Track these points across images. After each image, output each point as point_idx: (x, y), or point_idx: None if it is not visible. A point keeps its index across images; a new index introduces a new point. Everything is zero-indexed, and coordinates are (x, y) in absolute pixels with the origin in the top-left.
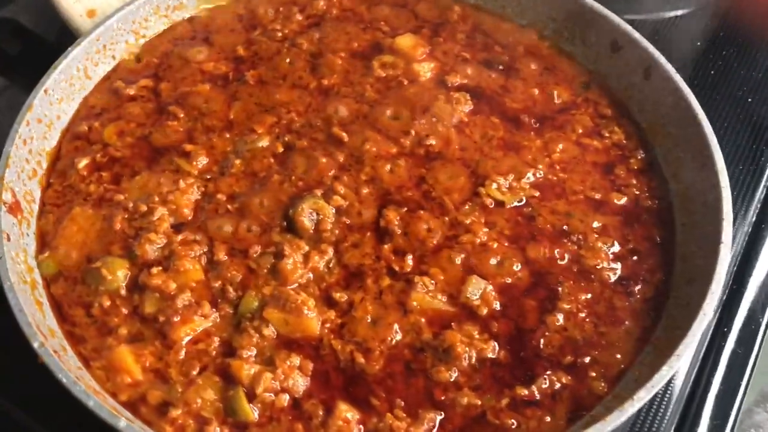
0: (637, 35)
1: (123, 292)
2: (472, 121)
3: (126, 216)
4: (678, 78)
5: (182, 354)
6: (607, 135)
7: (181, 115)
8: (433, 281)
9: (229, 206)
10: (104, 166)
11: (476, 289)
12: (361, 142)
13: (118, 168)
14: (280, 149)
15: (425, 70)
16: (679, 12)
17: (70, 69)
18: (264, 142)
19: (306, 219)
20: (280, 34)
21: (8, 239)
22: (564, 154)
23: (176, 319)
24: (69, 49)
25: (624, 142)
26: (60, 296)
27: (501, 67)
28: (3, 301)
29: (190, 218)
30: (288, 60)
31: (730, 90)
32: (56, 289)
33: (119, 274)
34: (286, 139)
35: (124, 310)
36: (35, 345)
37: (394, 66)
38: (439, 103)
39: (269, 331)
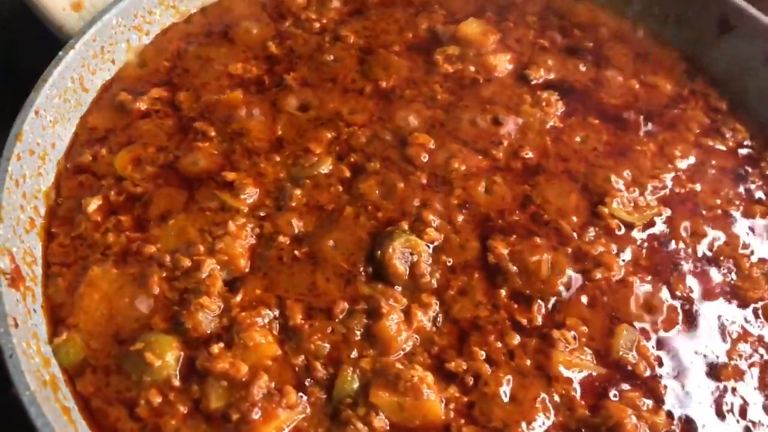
0: (754, 11)
1: (176, 381)
2: (567, 126)
3: (164, 274)
4: None
5: None
6: (728, 134)
7: (213, 134)
8: (574, 334)
9: (296, 251)
10: (122, 207)
11: (629, 341)
12: (445, 158)
13: (140, 209)
14: (348, 173)
15: (502, 63)
16: None
17: (64, 81)
18: (326, 167)
19: (399, 262)
20: (317, 25)
21: (15, 325)
22: (686, 160)
23: (256, 415)
24: (60, 53)
25: (750, 141)
26: (90, 394)
27: (587, 56)
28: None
29: (247, 271)
30: (333, 57)
31: None
32: (84, 386)
33: (169, 357)
34: (352, 159)
35: (182, 408)
36: None
37: (462, 59)
38: (526, 107)
39: (379, 421)
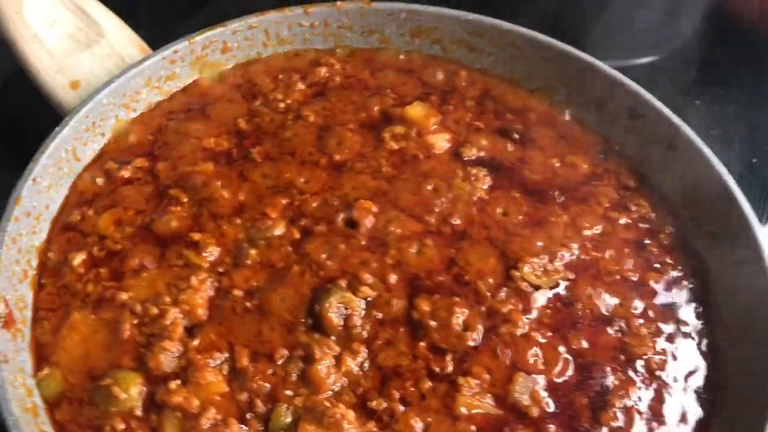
0: (658, 104)
1: (138, 412)
2: (493, 198)
3: (135, 321)
4: (707, 152)
5: None
6: (633, 208)
7: (185, 200)
8: (477, 381)
9: (247, 303)
10: (102, 261)
11: (524, 388)
12: (385, 223)
13: (117, 263)
14: (297, 235)
15: (440, 142)
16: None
17: (59, 152)
18: (279, 230)
19: (334, 315)
20: (282, 105)
21: (6, 361)
22: (593, 231)
23: None
24: (56, 129)
25: (651, 215)
26: (65, 421)
27: (516, 137)
28: None
29: (205, 319)
30: (294, 133)
31: None
32: (61, 415)
33: (133, 391)
34: (302, 223)
35: None
36: None
37: (406, 137)
38: (458, 181)
39: None
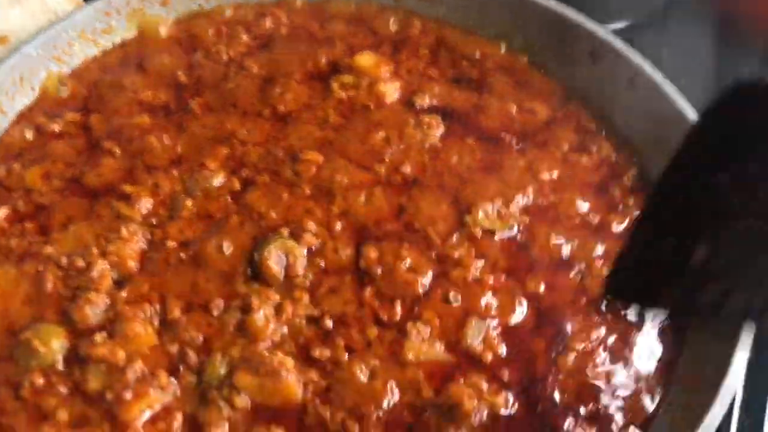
0: (618, 44)
1: (60, 366)
2: (446, 145)
3: (60, 274)
4: (668, 87)
5: None
6: (594, 150)
7: (118, 152)
8: (428, 327)
9: (182, 254)
10: (28, 215)
11: (477, 333)
12: (331, 173)
13: (45, 218)
14: (238, 186)
15: (391, 91)
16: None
17: None
18: (219, 180)
19: (274, 264)
20: (225, 57)
21: None
22: (552, 174)
23: (128, 395)
24: None
25: (613, 158)
26: None
27: (472, 85)
28: None
29: (135, 271)
30: (237, 85)
31: None
32: None
33: (55, 344)
34: (244, 174)
35: (63, 389)
36: None
37: (356, 87)
38: (409, 129)
39: (242, 401)
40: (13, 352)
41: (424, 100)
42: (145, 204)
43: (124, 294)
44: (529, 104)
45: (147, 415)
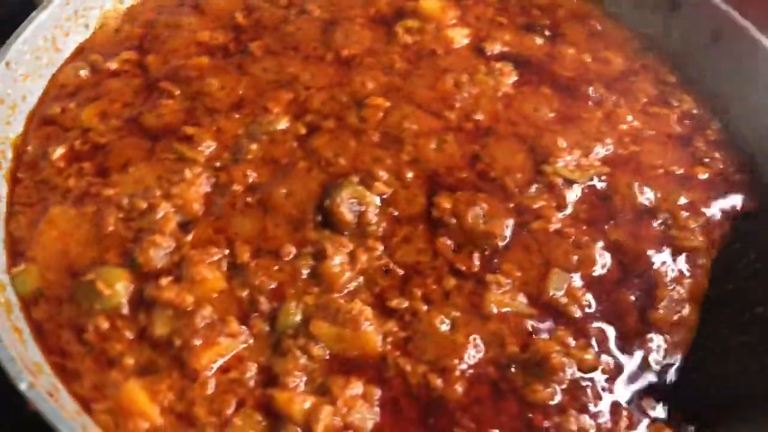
0: None
1: (125, 310)
2: (520, 93)
3: (120, 215)
4: (760, 37)
5: (210, 387)
6: (675, 104)
7: (177, 93)
8: (508, 279)
9: (248, 199)
10: (85, 155)
11: (560, 285)
12: (399, 119)
13: (103, 158)
14: (303, 131)
15: (459, 36)
16: None
17: (36, 39)
18: (283, 124)
19: (346, 210)
20: (283, 0)
21: None
22: (632, 126)
23: (197, 342)
24: (33, 14)
25: (695, 111)
26: (42, 320)
27: (543, 33)
28: None
29: (200, 215)
30: (298, 28)
31: None
32: (38, 312)
33: (119, 287)
34: (308, 119)
35: (128, 334)
36: (23, 387)
37: (421, 32)
38: (481, 76)
39: (319, 351)
40: (75, 294)
41: (495, 47)
42: (208, 147)
43: (189, 237)
44: (604, 54)
45: (218, 363)
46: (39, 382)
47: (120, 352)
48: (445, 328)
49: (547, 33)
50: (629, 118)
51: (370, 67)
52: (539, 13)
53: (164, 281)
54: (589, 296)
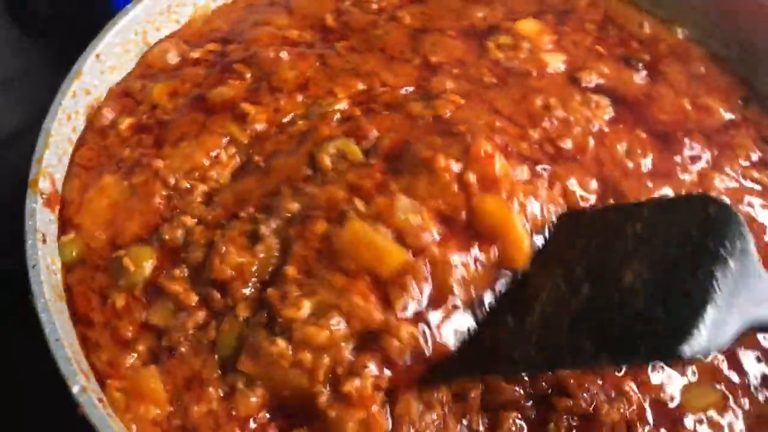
0: None
1: (138, 291)
2: (614, 132)
3: (164, 192)
4: None
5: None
6: None
7: (248, 75)
8: None
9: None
10: (148, 128)
11: None
12: (468, 115)
13: (162, 132)
14: (358, 113)
15: (555, 62)
16: None
17: (128, 32)
18: (340, 106)
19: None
20: (375, 6)
21: (44, 241)
22: (723, 194)
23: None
24: (128, 6)
25: None
26: (74, 283)
27: (642, 68)
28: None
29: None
30: (386, 32)
31: None
32: (72, 276)
33: (146, 265)
34: (371, 106)
35: (139, 316)
36: (75, 390)
37: (515, 49)
38: (575, 104)
39: None
40: (108, 266)
41: (591, 78)
42: (258, 126)
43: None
44: (705, 100)
45: None
46: (92, 386)
47: (131, 337)
48: None
49: (644, 70)
50: (724, 184)
51: (457, 76)
52: (639, 47)
53: (177, 272)
54: None
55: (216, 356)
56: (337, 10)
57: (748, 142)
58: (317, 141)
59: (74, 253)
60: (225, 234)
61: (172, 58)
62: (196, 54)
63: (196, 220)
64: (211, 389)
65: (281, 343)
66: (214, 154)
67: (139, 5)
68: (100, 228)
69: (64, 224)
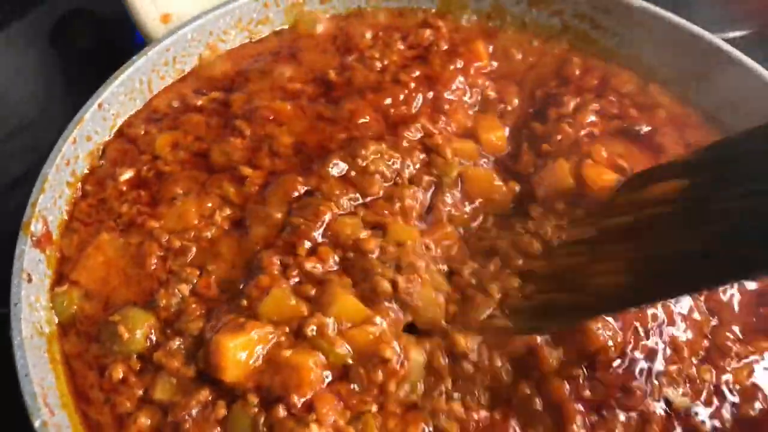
0: None
1: (134, 362)
2: None
3: (160, 253)
4: None
5: None
6: None
7: (248, 132)
8: None
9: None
10: (147, 183)
11: None
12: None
13: (159, 188)
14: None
15: None
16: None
17: (132, 82)
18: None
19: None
20: (378, 65)
21: (29, 280)
22: None
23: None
24: (134, 58)
25: None
26: (71, 355)
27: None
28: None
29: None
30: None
31: None
32: (68, 345)
33: (138, 333)
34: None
35: (138, 391)
36: (36, 424)
37: None
38: None
39: None
40: (101, 330)
41: None
42: (253, 188)
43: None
44: None
45: None
46: (54, 421)
47: (128, 410)
48: None
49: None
50: None
51: None
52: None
53: (175, 343)
54: None
55: None
56: (341, 65)
57: None
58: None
59: (67, 309)
60: None
61: (176, 104)
62: (199, 102)
63: (190, 286)
64: None
65: None
66: (207, 214)
67: (143, 58)
68: (95, 286)
69: (60, 277)
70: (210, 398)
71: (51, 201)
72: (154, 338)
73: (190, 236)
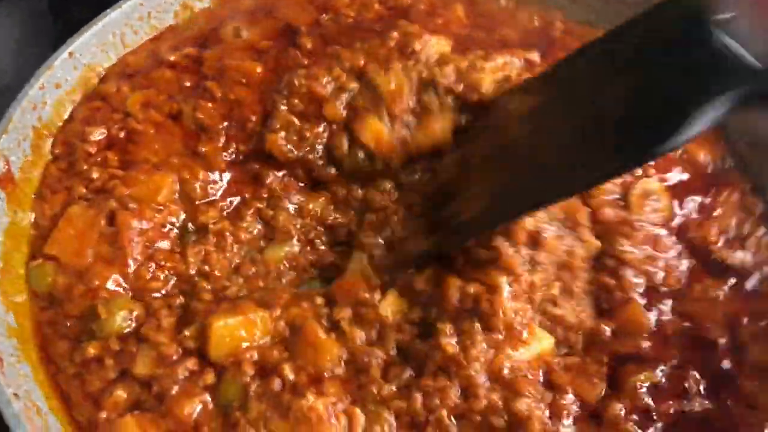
0: None
1: (114, 344)
2: None
3: (135, 223)
4: None
5: None
6: None
7: (219, 95)
8: None
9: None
10: (117, 143)
11: None
12: None
13: (131, 147)
14: None
15: None
16: None
17: (105, 34)
18: None
19: None
20: (351, 21)
21: None
22: None
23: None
24: (107, 10)
25: None
26: (45, 322)
27: None
28: None
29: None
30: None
31: None
32: (43, 316)
33: (118, 316)
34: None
35: (111, 373)
36: None
37: None
38: None
39: None
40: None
41: None
42: (231, 154)
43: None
44: None
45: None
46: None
47: (99, 389)
48: None
49: None
50: None
51: None
52: None
53: (165, 321)
54: None
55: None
56: (316, 23)
57: None
58: None
59: (42, 283)
60: None
61: (148, 61)
62: (173, 57)
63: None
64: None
65: None
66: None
67: (117, 10)
68: (69, 260)
69: (35, 251)
70: (197, 368)
71: (14, 142)
72: (132, 321)
73: (164, 205)
